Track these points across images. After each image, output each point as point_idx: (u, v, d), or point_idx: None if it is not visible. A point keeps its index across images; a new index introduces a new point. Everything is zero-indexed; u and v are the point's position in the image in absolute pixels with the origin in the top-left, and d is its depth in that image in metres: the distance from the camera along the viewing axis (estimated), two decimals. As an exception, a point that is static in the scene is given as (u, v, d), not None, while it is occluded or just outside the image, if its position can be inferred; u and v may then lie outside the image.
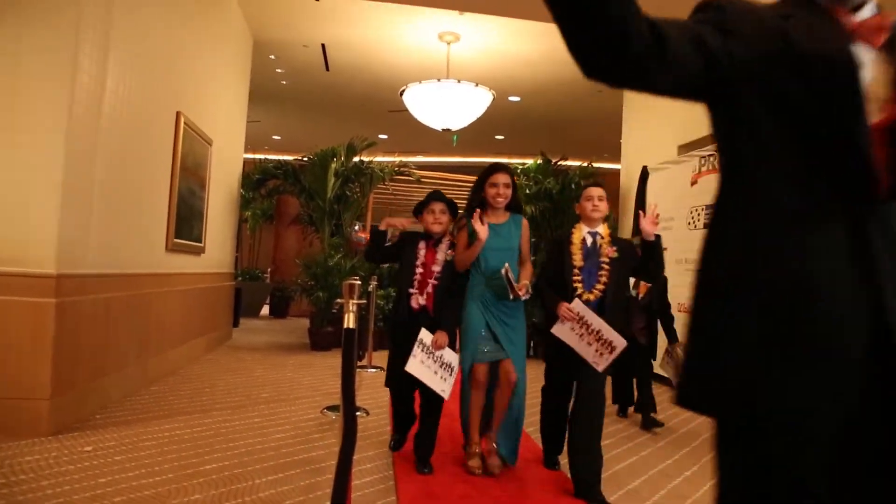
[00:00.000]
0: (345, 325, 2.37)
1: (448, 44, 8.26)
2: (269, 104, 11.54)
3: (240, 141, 8.41)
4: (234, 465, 3.31)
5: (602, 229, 3.36)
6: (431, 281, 3.42)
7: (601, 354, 3.13)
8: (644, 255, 3.24)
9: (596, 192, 3.40)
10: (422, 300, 3.42)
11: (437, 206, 3.51)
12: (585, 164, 8.74)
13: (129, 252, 4.65)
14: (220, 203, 7.31)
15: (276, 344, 8.21)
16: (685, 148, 7.43)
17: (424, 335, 3.28)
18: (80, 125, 3.80)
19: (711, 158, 6.08)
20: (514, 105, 11.01)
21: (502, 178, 3.47)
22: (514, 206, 3.55)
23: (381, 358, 7.07)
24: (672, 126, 7.90)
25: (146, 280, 4.97)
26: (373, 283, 6.45)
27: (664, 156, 7.58)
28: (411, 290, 3.43)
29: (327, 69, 9.63)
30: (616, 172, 9.54)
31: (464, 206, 3.70)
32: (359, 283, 2.52)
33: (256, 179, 9.90)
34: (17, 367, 3.52)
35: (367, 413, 4.59)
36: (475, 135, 11.54)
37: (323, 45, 8.72)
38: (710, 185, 6.08)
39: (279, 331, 9.85)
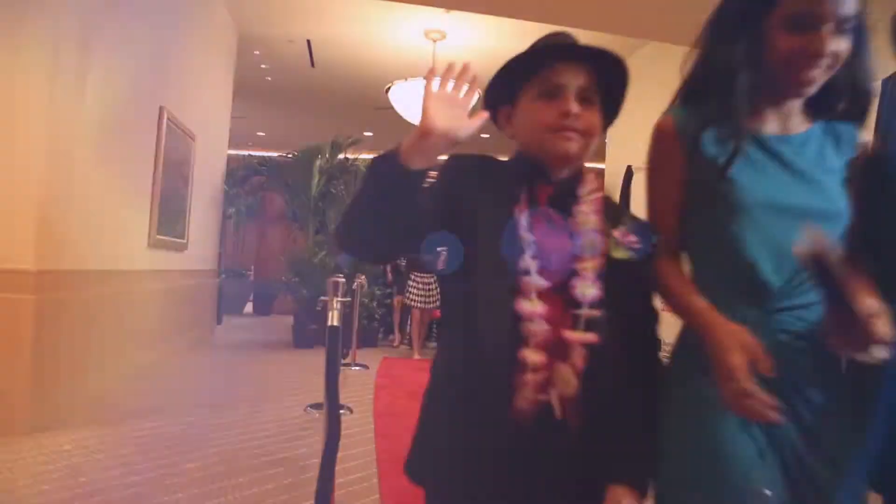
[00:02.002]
0: (329, 323, 2.37)
1: (434, 42, 8.24)
2: (253, 100, 11.44)
3: (224, 137, 8.34)
4: (216, 463, 3.28)
5: None
6: (579, 336, 1.09)
7: None
8: None
9: None
10: (560, 393, 1.08)
11: (574, 78, 1.19)
12: (570, 164, 8.76)
13: (111, 248, 4.60)
14: (204, 199, 7.25)
15: (259, 341, 8.16)
16: (669, 148, 7.47)
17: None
18: (61, 119, 3.74)
19: (695, 159, 6.13)
20: (499, 104, 11.01)
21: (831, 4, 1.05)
22: (842, 93, 1.17)
23: (365, 355, 7.08)
24: (656, 126, 7.94)
25: (128, 276, 4.91)
26: (357, 281, 6.43)
27: (648, 156, 7.61)
28: (529, 367, 1.07)
29: (313, 65, 9.56)
30: (601, 172, 9.59)
31: None
32: (343, 280, 2.51)
33: (241, 176, 9.85)
34: (-6, 364, 3.47)
35: (351, 411, 4.57)
36: (461, 133, 11.52)
37: (308, 42, 8.66)
38: (693, 185, 6.12)
39: (262, 328, 9.79)
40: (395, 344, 8.47)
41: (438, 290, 6.62)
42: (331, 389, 2.25)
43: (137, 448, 3.43)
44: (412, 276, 7.49)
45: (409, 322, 8.46)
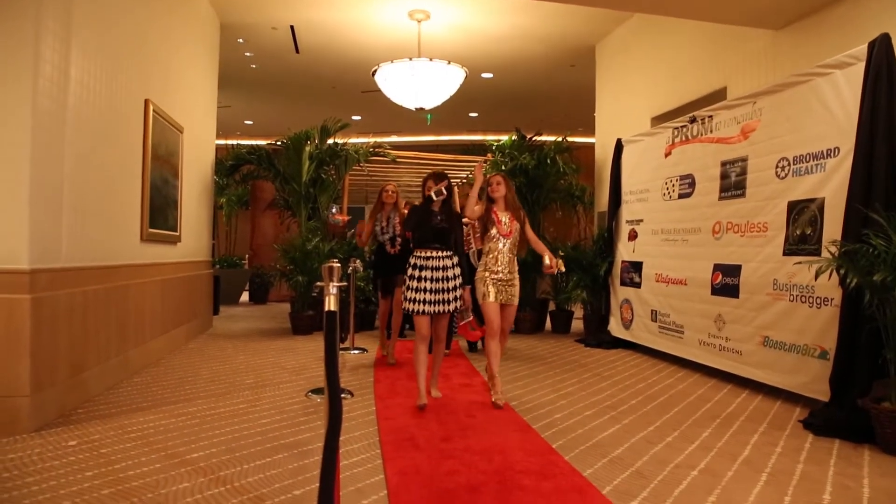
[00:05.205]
0: (326, 308, 2.37)
1: (419, 22, 8.19)
2: (239, 89, 11.37)
3: (211, 127, 8.29)
4: (221, 451, 3.31)
5: None
6: None
7: None
8: None
9: None
10: None
11: None
12: (560, 139, 8.76)
13: (104, 244, 4.59)
14: (195, 191, 7.23)
15: (257, 330, 8.19)
16: (658, 119, 7.48)
17: None
18: (46, 117, 3.72)
19: (685, 129, 6.13)
20: (486, 82, 10.97)
21: None
22: None
23: (363, 339, 7.11)
24: (645, 98, 7.94)
25: (123, 271, 4.91)
26: (352, 265, 6.44)
27: (638, 128, 7.62)
28: None
29: (297, 51, 9.50)
30: (591, 146, 9.58)
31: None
32: (338, 265, 2.51)
33: (230, 165, 9.79)
34: (-6, 364, 3.48)
35: (352, 395, 4.62)
36: (449, 113, 11.50)
37: (292, 27, 8.59)
38: (683, 157, 6.13)
39: (260, 317, 9.81)
40: (386, 356, 6.05)
41: (460, 281, 4.32)
42: (331, 374, 2.26)
43: (142, 441, 3.46)
44: (414, 258, 4.35)
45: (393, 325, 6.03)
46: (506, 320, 4.54)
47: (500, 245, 4.48)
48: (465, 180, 11.13)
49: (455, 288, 4.31)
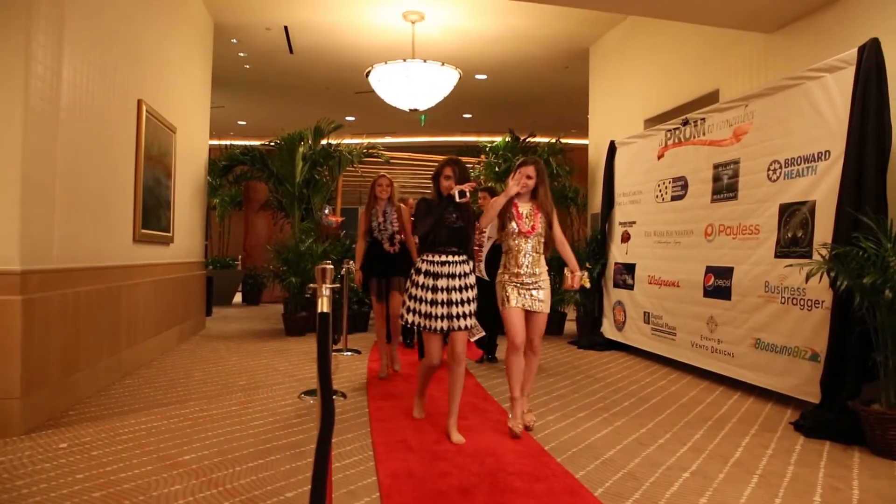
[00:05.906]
0: (319, 310, 2.38)
1: (413, 23, 8.19)
2: (233, 89, 11.34)
3: (204, 127, 8.27)
4: (214, 454, 3.31)
5: None
6: None
7: None
8: None
9: None
10: None
11: None
12: (553, 141, 8.77)
13: (96, 245, 4.58)
14: (188, 191, 7.21)
15: (250, 331, 8.17)
16: (651, 122, 7.51)
17: None
18: (38, 117, 3.70)
19: (677, 132, 6.16)
20: (481, 83, 10.98)
21: None
22: None
23: (357, 340, 7.10)
24: (638, 100, 7.97)
25: (115, 273, 4.90)
26: (345, 266, 6.43)
27: (631, 130, 7.65)
28: None
29: (291, 52, 9.48)
30: (584, 148, 9.61)
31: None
32: (331, 266, 2.52)
33: (223, 166, 9.77)
34: (-15, 366, 3.46)
35: (345, 396, 4.61)
36: (443, 114, 11.51)
37: (286, 28, 8.58)
38: (676, 159, 6.16)
39: (253, 318, 9.79)
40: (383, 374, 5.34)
41: (474, 287, 3.66)
42: (323, 375, 2.26)
43: (133, 443, 3.45)
44: (425, 262, 3.62)
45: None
46: (533, 331, 3.83)
47: (521, 242, 3.78)
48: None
49: (473, 300, 3.62)
